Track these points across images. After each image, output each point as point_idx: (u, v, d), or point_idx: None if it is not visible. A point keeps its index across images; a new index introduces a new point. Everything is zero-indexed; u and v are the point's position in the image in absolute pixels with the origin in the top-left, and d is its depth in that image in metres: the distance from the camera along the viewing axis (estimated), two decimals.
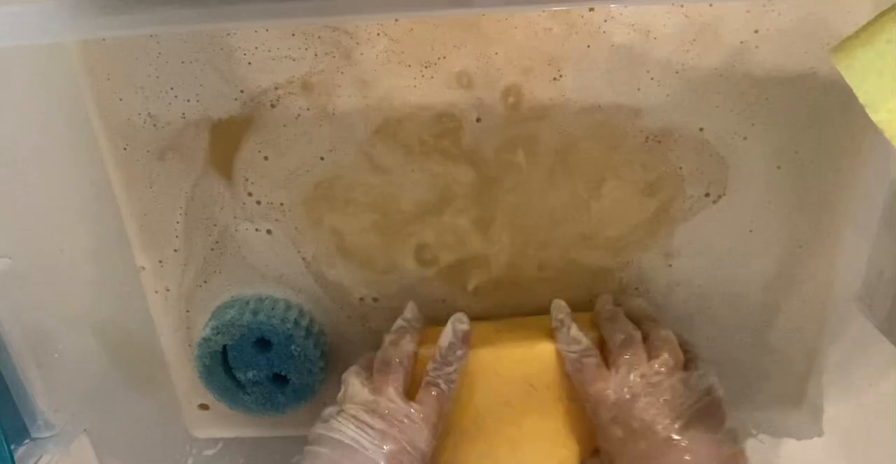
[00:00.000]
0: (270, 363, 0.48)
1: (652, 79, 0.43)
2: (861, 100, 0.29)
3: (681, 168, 0.45)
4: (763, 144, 0.45)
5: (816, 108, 0.43)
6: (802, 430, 0.53)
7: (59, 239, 0.48)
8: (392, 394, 0.41)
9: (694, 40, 0.42)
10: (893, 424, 0.44)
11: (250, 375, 0.48)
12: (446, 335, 0.44)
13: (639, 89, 0.43)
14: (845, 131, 0.44)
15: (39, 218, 0.47)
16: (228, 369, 0.49)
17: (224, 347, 0.48)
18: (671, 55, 0.42)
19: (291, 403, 0.50)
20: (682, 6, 0.41)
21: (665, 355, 0.42)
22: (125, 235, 0.47)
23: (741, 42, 0.42)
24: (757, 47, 0.42)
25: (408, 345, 0.44)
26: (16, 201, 0.46)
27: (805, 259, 0.48)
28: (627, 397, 0.41)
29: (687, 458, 0.39)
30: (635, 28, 0.41)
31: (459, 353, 0.44)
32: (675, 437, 0.40)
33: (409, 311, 0.47)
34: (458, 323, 0.45)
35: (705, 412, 0.40)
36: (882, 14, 0.29)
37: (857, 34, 0.30)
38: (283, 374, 0.48)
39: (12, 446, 0.48)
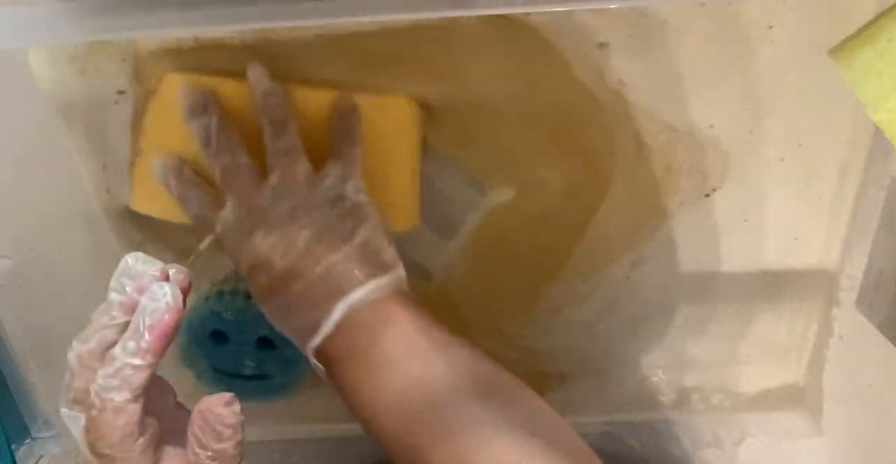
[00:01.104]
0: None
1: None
2: (861, 100, 0.29)
3: (680, 157, 0.45)
4: (768, 138, 0.45)
5: (823, 103, 0.43)
6: (802, 430, 0.53)
7: (59, 239, 0.48)
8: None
9: (707, 34, 0.41)
10: (893, 424, 0.44)
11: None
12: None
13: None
14: (848, 128, 0.44)
15: (39, 218, 0.47)
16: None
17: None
18: (680, 51, 0.42)
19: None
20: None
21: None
22: (124, 234, 0.47)
23: (756, 38, 0.41)
24: (772, 42, 0.41)
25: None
26: (16, 201, 0.46)
27: (805, 256, 0.49)
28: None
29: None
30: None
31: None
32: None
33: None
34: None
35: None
36: (882, 14, 0.29)
37: (857, 34, 0.30)
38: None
39: (13, 446, 0.48)
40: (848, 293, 0.47)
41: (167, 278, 0.30)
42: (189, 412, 0.31)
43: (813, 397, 0.52)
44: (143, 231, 0.47)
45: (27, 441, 0.50)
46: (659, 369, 0.53)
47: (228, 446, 0.29)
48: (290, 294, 0.36)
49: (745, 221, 0.47)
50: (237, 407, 0.30)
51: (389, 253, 0.37)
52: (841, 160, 0.45)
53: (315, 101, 0.40)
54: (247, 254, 0.37)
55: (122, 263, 0.30)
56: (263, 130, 0.38)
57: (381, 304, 0.35)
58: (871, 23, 0.30)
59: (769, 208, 0.47)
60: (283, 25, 0.40)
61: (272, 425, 0.54)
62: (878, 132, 0.30)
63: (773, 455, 0.53)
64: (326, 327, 0.35)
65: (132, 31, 0.31)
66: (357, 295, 0.35)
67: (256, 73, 0.38)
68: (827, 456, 0.51)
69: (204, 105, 0.38)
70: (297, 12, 0.30)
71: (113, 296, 0.30)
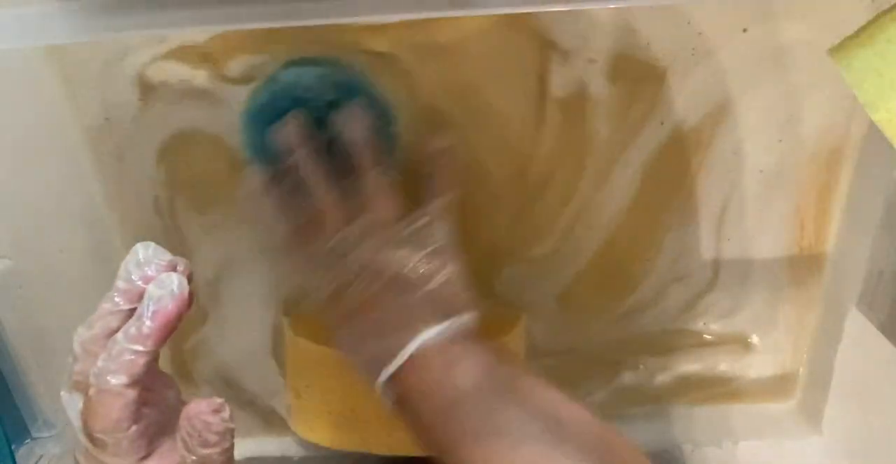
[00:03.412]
0: None
1: None
2: (861, 99, 0.29)
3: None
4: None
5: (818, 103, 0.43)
6: (801, 430, 0.53)
7: (59, 239, 0.48)
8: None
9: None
10: (893, 424, 0.44)
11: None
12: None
13: None
14: (846, 127, 0.44)
15: (39, 218, 0.47)
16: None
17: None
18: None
19: None
20: None
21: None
22: (125, 234, 0.47)
23: (744, 31, 0.41)
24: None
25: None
26: (16, 201, 0.46)
27: (805, 258, 0.48)
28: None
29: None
30: None
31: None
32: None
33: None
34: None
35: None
36: (882, 14, 0.29)
37: (856, 34, 0.30)
38: None
39: (13, 446, 0.48)
40: (848, 293, 0.47)
41: (174, 270, 0.30)
42: None
43: (813, 397, 0.52)
44: (144, 232, 0.47)
45: (27, 441, 0.50)
46: (660, 370, 0.53)
47: (214, 452, 0.29)
48: (367, 321, 0.38)
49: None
50: (226, 414, 0.29)
51: (464, 296, 0.39)
52: (840, 160, 0.45)
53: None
54: (333, 278, 0.39)
55: (132, 251, 0.30)
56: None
57: (450, 344, 0.37)
58: (870, 23, 0.30)
59: (770, 208, 0.47)
60: (284, 25, 0.40)
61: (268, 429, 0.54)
62: (877, 132, 0.30)
63: (772, 455, 0.53)
64: (400, 359, 0.36)
65: (132, 31, 0.31)
66: (430, 333, 0.37)
67: None
68: (826, 456, 0.51)
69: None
70: (298, 12, 0.30)
71: (118, 283, 0.30)
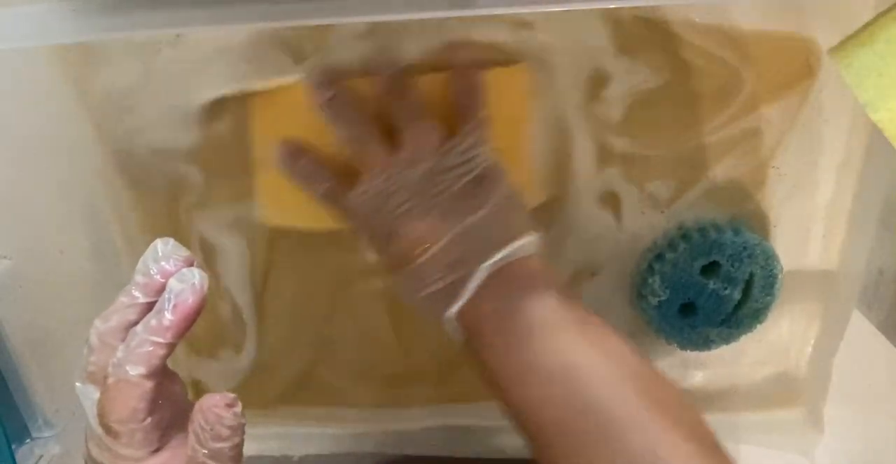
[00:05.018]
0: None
1: None
2: (861, 99, 0.30)
3: None
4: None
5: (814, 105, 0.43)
6: (802, 431, 0.53)
7: (59, 239, 0.48)
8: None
9: None
10: (893, 424, 0.44)
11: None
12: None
13: None
14: (845, 128, 0.44)
15: (39, 218, 0.47)
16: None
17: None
18: None
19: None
20: None
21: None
22: (125, 234, 0.47)
23: None
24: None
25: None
26: (16, 201, 0.46)
27: (806, 256, 0.49)
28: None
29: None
30: None
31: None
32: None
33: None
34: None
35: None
36: (882, 14, 0.30)
37: (856, 34, 0.30)
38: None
39: (13, 446, 0.48)
40: (848, 293, 0.47)
41: (191, 265, 0.31)
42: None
43: (813, 398, 0.52)
44: (146, 231, 0.47)
45: (27, 441, 0.50)
46: (661, 370, 0.53)
47: (226, 446, 0.30)
48: (428, 259, 0.36)
49: None
50: (238, 409, 0.30)
51: (523, 217, 0.37)
52: (840, 160, 0.45)
53: (433, 83, 0.40)
54: (382, 223, 0.37)
55: (151, 247, 0.31)
56: (389, 108, 0.38)
57: (520, 268, 0.35)
58: (870, 23, 0.30)
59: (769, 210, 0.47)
60: (283, 25, 0.40)
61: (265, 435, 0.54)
62: (877, 132, 0.30)
63: (773, 455, 0.53)
64: (468, 291, 0.35)
65: (132, 30, 0.31)
66: (496, 257, 0.35)
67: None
68: (827, 456, 0.51)
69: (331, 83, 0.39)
70: (298, 12, 0.30)
71: (137, 277, 0.30)
